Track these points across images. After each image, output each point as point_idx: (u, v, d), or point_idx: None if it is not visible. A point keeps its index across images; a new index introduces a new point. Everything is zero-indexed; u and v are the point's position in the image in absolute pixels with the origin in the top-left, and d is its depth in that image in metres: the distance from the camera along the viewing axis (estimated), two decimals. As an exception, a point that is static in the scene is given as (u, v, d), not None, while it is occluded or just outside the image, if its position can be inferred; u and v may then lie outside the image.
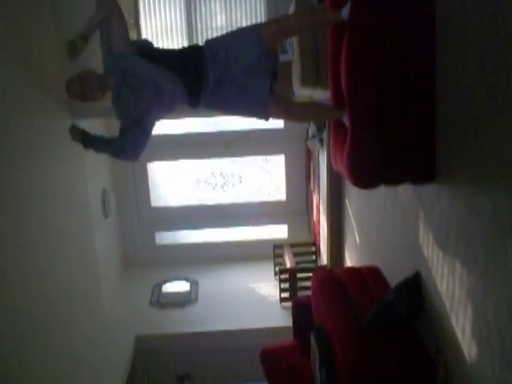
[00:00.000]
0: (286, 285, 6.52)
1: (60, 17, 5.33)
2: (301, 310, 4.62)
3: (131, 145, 3.29)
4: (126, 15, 3.31)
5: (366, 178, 3.17)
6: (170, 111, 3.26)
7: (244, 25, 6.02)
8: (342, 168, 3.29)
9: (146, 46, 3.22)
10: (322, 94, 4.58)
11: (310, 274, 5.09)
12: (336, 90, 3.35)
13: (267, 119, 3.28)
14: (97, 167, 6.64)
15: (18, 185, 4.25)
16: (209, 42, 3.16)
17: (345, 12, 2.93)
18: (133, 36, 5.73)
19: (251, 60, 3.06)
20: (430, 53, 2.90)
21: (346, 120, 3.22)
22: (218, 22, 5.96)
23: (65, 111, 5.48)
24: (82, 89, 3.09)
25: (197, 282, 7.28)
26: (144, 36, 5.94)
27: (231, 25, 5.90)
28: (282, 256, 7.18)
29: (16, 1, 4.39)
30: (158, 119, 3.31)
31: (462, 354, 2.85)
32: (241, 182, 7.98)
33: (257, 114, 3.26)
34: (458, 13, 2.61)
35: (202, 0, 5.87)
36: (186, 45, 3.26)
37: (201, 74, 3.07)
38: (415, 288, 3.44)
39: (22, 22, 4.49)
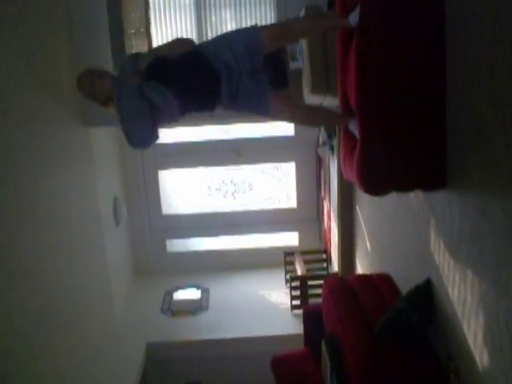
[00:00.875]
0: (296, 292, 6.50)
1: (73, 32, 5.39)
2: (312, 318, 4.62)
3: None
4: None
5: (376, 185, 3.16)
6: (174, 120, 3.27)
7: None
8: (352, 175, 3.29)
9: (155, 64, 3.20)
10: (332, 101, 4.58)
11: (321, 282, 5.08)
12: (344, 98, 3.35)
13: (269, 114, 3.26)
14: (108, 175, 6.68)
15: (29, 193, 4.27)
16: (209, 46, 3.17)
17: (352, 18, 2.94)
18: (144, 45, 5.76)
19: (251, 64, 3.08)
20: (440, 61, 2.90)
21: (352, 127, 3.22)
22: (228, 30, 5.98)
23: (76, 120, 5.52)
24: (93, 81, 3.11)
25: (208, 290, 7.28)
26: (155, 44, 5.97)
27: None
28: (292, 263, 7.16)
29: (29, 8, 4.43)
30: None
31: (473, 362, 2.83)
32: (251, 189, 7.98)
33: (258, 111, 3.25)
34: (468, 20, 2.61)
35: (212, 8, 5.89)
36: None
37: (216, 84, 3.09)
38: (426, 295, 3.42)
39: (36, 35, 4.53)
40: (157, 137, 3.19)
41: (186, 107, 3.16)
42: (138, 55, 3.21)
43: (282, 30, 3.17)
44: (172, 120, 3.24)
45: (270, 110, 3.18)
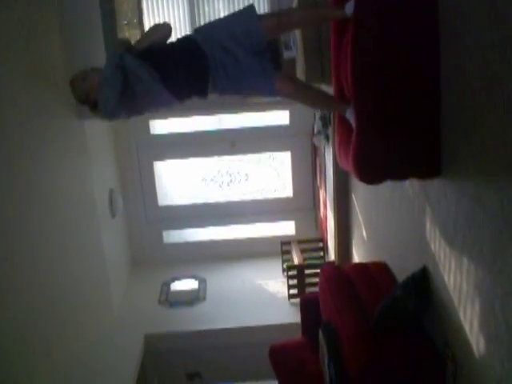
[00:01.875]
0: (294, 281, 6.52)
1: (65, 22, 5.35)
2: (309, 307, 4.63)
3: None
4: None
5: (371, 174, 3.17)
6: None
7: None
8: (347, 164, 3.29)
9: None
10: (326, 90, 4.57)
11: (318, 271, 5.09)
12: (339, 86, 3.35)
13: (274, 94, 3.25)
14: (103, 167, 6.67)
15: (25, 185, 4.27)
16: (204, 31, 3.17)
17: (348, 8, 2.93)
18: (137, 36, 5.73)
19: (252, 46, 3.08)
20: (435, 49, 2.89)
21: (348, 115, 3.21)
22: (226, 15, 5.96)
23: (70, 113, 5.50)
24: (85, 77, 3.18)
25: (205, 280, 7.29)
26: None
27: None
28: (289, 252, 7.18)
29: (20, 5, 4.41)
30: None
31: (470, 348, 2.85)
32: (247, 179, 7.98)
33: (264, 88, 3.22)
34: (460, 9, 2.61)
35: (205, -2, 5.88)
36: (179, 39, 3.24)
37: (205, 68, 3.08)
38: (422, 283, 3.43)
39: (26, 27, 4.51)
40: (125, 114, 3.21)
41: (175, 92, 3.16)
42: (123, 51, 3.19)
43: (279, 21, 3.17)
44: (163, 103, 3.24)
45: (275, 87, 3.18)
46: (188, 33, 3.27)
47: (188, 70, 3.11)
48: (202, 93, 3.23)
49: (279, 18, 3.19)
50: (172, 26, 3.29)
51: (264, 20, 3.15)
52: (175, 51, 3.14)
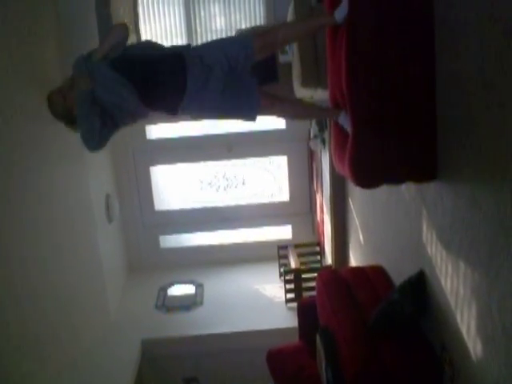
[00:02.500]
0: (291, 286, 6.51)
1: (61, 28, 5.35)
2: (306, 311, 4.62)
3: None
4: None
5: (367, 178, 3.17)
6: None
7: (243, 26, 6.03)
8: (343, 169, 3.29)
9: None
10: (322, 95, 4.58)
11: (315, 275, 5.09)
12: (335, 91, 3.35)
13: (254, 118, 3.26)
14: (100, 172, 6.66)
15: (20, 190, 4.26)
16: (192, 49, 3.18)
17: (338, 14, 2.95)
18: (133, 40, 5.73)
19: (237, 68, 3.09)
20: (430, 52, 2.90)
21: (342, 121, 3.22)
22: (217, 25, 5.97)
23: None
24: (64, 95, 3.15)
25: (202, 285, 7.28)
26: (143, 39, 5.95)
27: (230, 27, 5.90)
28: (286, 257, 7.17)
29: (14, 4, 4.40)
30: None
31: (467, 352, 2.85)
32: (244, 183, 7.98)
33: (246, 108, 3.22)
34: (456, 10, 2.62)
35: (201, 3, 5.88)
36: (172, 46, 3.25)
37: (183, 81, 3.06)
38: (419, 286, 3.44)
39: (22, 32, 4.50)
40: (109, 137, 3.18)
41: (149, 104, 3.15)
42: (88, 57, 3.16)
43: (273, 39, 3.18)
44: (140, 117, 3.23)
45: (258, 110, 3.19)
46: (179, 44, 3.27)
47: (165, 84, 3.08)
48: (173, 110, 3.19)
49: (272, 36, 3.18)
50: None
51: (258, 40, 3.15)
52: (157, 62, 3.11)
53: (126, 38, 3.20)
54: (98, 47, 3.16)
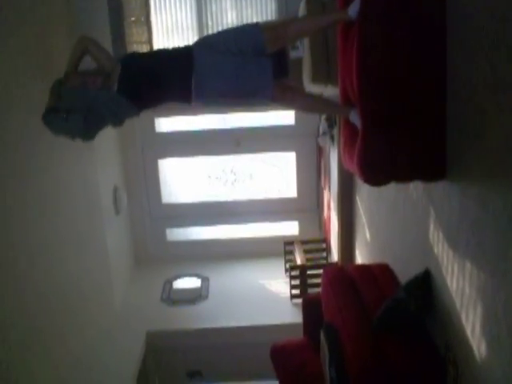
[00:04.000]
0: (296, 281, 6.52)
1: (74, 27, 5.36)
2: (311, 307, 4.63)
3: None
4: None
5: (376, 176, 3.16)
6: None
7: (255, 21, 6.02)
8: (352, 165, 3.29)
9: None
10: (332, 91, 4.57)
11: (321, 271, 5.09)
12: (345, 88, 3.35)
13: (268, 101, 3.28)
14: (108, 164, 6.67)
15: (30, 183, 4.27)
16: (204, 38, 3.23)
17: (352, 10, 2.93)
18: (144, 33, 5.74)
19: (250, 53, 3.11)
20: (441, 49, 2.89)
21: (352, 118, 3.22)
22: (228, 19, 5.97)
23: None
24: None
25: (207, 279, 7.29)
26: (155, 33, 5.95)
27: (242, 22, 5.89)
28: (292, 253, 7.18)
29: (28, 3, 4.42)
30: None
31: (471, 352, 2.85)
32: (251, 178, 7.98)
33: (260, 93, 3.24)
34: (469, 13, 2.61)
35: (212, -3, 5.88)
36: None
37: (190, 69, 3.11)
38: (425, 285, 3.43)
39: (35, 28, 4.51)
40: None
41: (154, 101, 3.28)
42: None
43: (284, 32, 3.18)
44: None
45: (272, 94, 3.19)
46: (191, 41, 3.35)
47: (173, 75, 3.15)
48: (186, 99, 3.24)
49: (284, 29, 3.19)
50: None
51: (269, 32, 3.17)
52: (165, 58, 3.21)
53: (86, 48, 3.33)
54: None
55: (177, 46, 3.31)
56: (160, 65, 3.16)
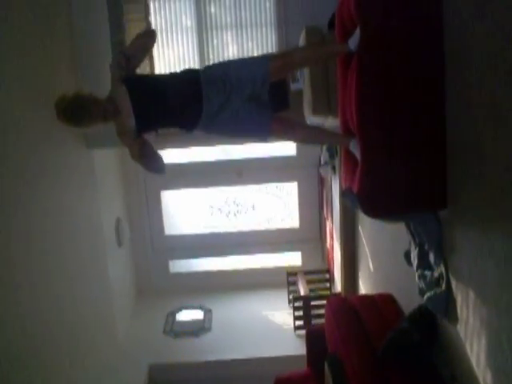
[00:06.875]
0: (300, 313, 6.49)
1: (75, 52, 5.44)
2: (315, 338, 4.60)
3: None
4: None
5: (375, 207, 3.16)
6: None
7: (255, 54, 6.10)
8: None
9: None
10: (333, 123, 4.61)
11: (324, 302, 5.06)
12: (345, 119, 3.38)
13: (266, 140, 3.35)
14: (111, 196, 6.70)
15: (33, 213, 4.29)
16: (209, 69, 3.26)
17: (352, 42, 2.98)
18: (146, 68, 5.80)
19: (254, 91, 3.14)
20: (440, 82, 2.92)
21: (352, 148, 3.24)
22: (229, 53, 6.03)
23: (79, 141, 5.56)
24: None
25: (210, 311, 7.26)
26: (157, 66, 6.02)
27: (243, 55, 5.96)
28: (295, 283, 7.15)
29: (28, 21, 4.48)
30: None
31: (477, 382, 2.82)
32: (254, 209, 7.99)
33: (256, 136, 3.37)
34: (467, 45, 2.65)
35: (213, 30, 5.95)
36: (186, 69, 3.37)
37: (199, 103, 3.15)
38: (429, 315, 3.41)
39: (38, 51, 4.58)
40: None
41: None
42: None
43: (286, 62, 3.25)
44: None
45: (269, 134, 3.25)
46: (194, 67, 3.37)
47: (181, 110, 3.21)
48: (190, 129, 3.32)
49: (286, 59, 3.27)
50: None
51: (273, 61, 3.22)
52: (172, 87, 3.22)
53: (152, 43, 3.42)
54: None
55: (182, 73, 3.33)
56: (172, 89, 3.20)
